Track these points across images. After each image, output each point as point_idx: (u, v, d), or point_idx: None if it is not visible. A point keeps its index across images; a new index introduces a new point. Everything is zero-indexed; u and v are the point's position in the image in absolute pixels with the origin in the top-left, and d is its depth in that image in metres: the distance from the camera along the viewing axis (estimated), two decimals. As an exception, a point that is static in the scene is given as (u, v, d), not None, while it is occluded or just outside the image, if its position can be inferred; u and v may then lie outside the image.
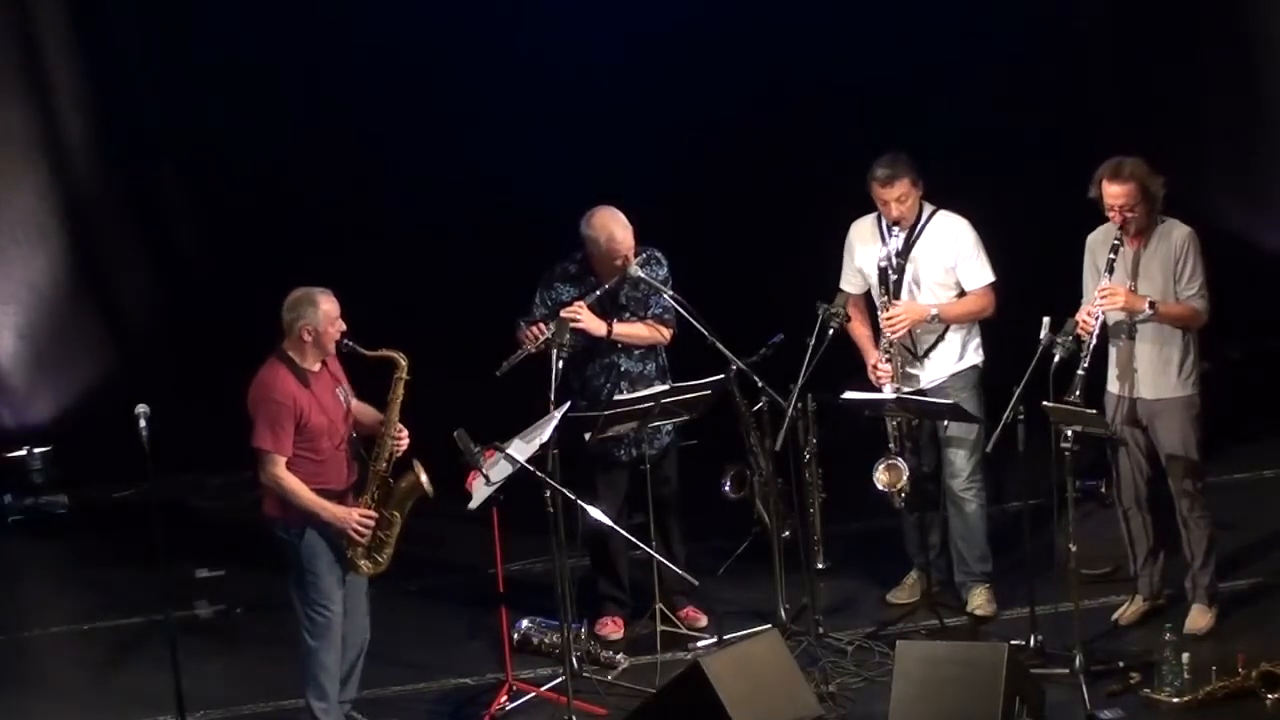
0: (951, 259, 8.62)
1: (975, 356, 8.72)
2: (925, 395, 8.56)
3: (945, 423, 8.63)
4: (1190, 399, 8.24)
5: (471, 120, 11.44)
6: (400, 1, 11.40)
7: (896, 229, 8.60)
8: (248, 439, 7.71)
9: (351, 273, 10.71)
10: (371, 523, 7.79)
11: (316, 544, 7.78)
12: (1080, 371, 7.97)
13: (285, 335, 7.76)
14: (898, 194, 8.52)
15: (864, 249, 8.73)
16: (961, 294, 8.65)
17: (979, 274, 8.63)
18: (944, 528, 8.94)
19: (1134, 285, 8.15)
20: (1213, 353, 9.67)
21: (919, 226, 8.63)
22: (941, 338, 8.67)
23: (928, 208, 8.66)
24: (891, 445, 8.68)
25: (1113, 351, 8.28)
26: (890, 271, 8.60)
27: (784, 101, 11.44)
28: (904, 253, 8.62)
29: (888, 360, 8.63)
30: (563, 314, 8.50)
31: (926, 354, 8.68)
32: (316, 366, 7.80)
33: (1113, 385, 8.32)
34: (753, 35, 11.42)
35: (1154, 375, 8.21)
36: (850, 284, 8.80)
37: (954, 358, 8.68)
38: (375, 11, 11.44)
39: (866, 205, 8.77)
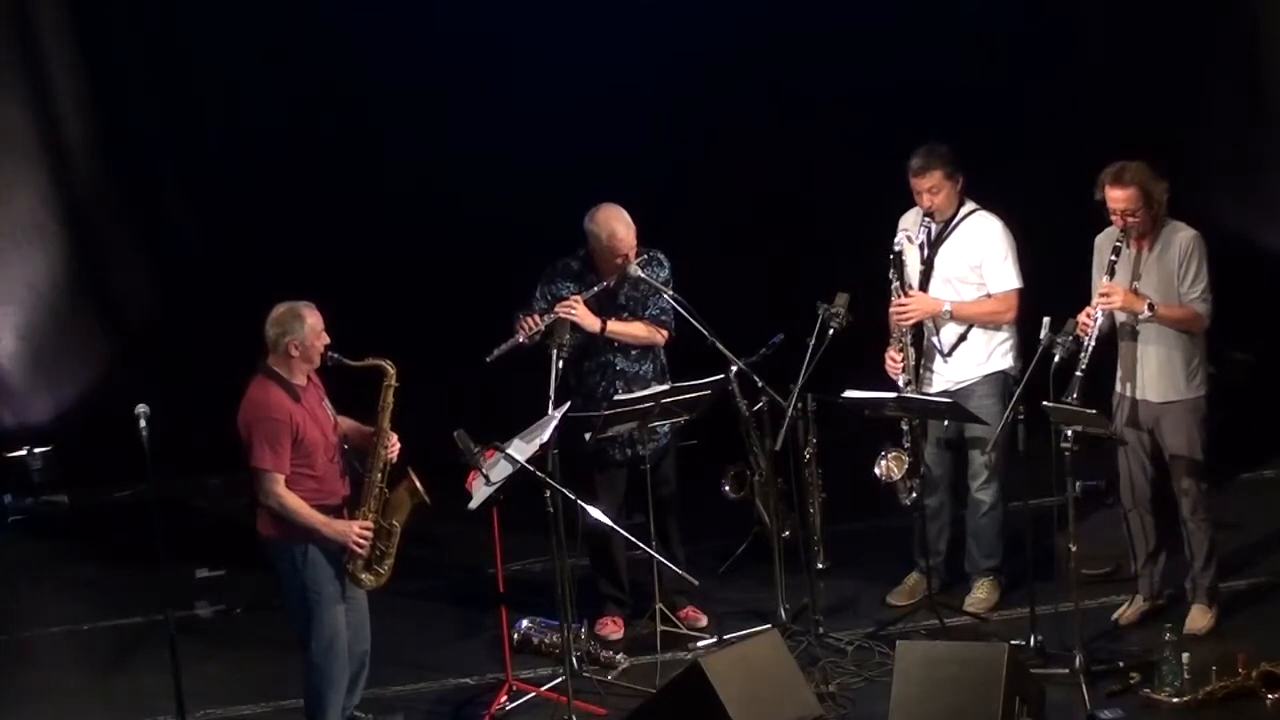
0: (978, 258, 8.63)
1: (1003, 361, 8.70)
2: (951, 396, 8.55)
3: (954, 423, 8.64)
4: (1196, 402, 8.23)
5: (472, 119, 11.44)
6: (399, 1, 11.41)
7: (929, 220, 8.63)
8: (245, 461, 7.66)
9: (351, 271, 10.78)
10: (371, 534, 7.76)
11: (319, 561, 7.73)
12: (1078, 373, 7.97)
13: (271, 351, 7.70)
14: (929, 184, 8.55)
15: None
16: (988, 296, 8.67)
17: (1004, 278, 8.64)
18: (955, 531, 8.95)
19: (1135, 287, 8.15)
20: (1214, 353, 9.68)
21: (953, 222, 8.66)
22: (965, 337, 8.67)
23: (968, 205, 8.68)
24: (905, 441, 8.69)
25: (1120, 353, 8.28)
26: (917, 260, 8.62)
27: (785, 102, 11.44)
28: (933, 245, 8.65)
29: (899, 350, 8.65)
30: (558, 308, 8.51)
31: (951, 352, 8.68)
32: (303, 381, 7.75)
33: (1120, 386, 8.31)
34: (755, 36, 11.42)
35: (1160, 378, 8.20)
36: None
37: (979, 359, 8.68)
38: (374, 11, 11.44)
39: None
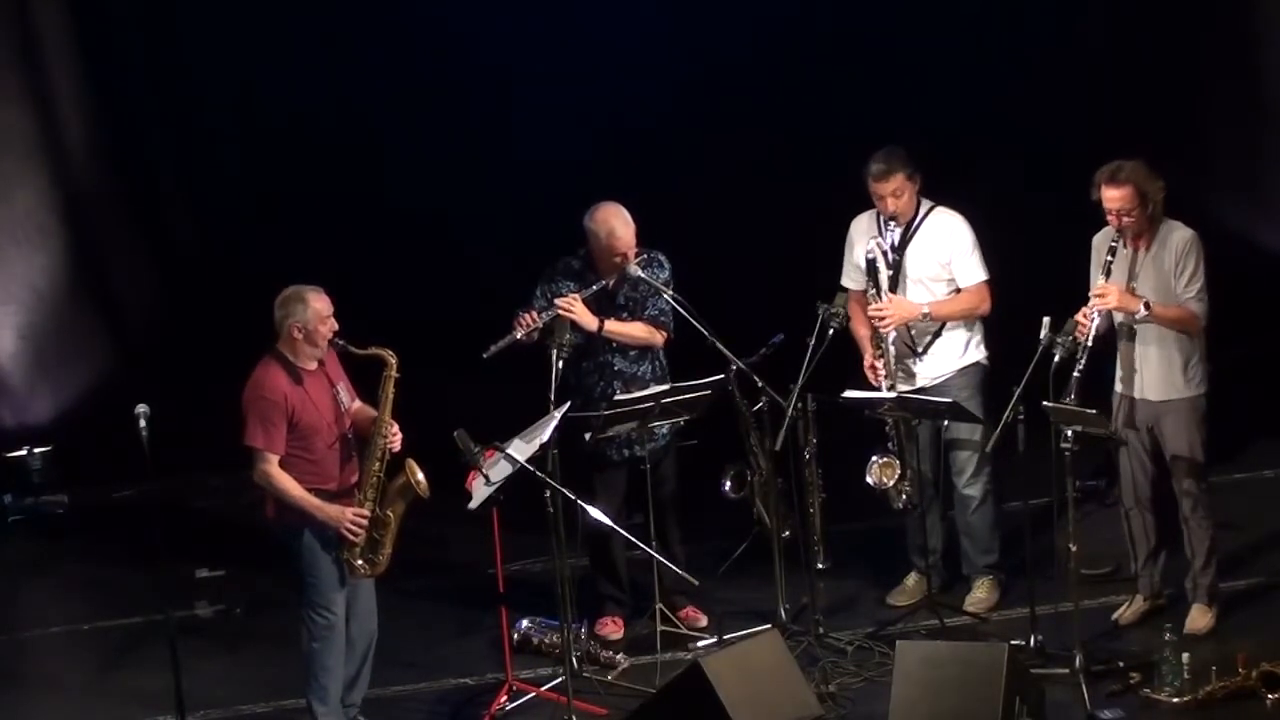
0: (946, 255, 8.63)
1: (978, 353, 8.72)
2: (927, 393, 8.57)
3: (946, 422, 8.63)
4: (1196, 400, 8.23)
5: (472, 118, 11.45)
6: (399, 3, 11.41)
7: (893, 224, 8.62)
8: (240, 439, 7.70)
9: (351, 272, 10.76)
10: (365, 522, 7.76)
11: (315, 546, 7.76)
12: (1076, 374, 7.97)
13: (277, 334, 7.76)
14: (892, 188, 8.54)
15: (862, 244, 8.74)
16: (957, 291, 8.66)
17: (973, 271, 8.64)
18: (949, 529, 8.96)
19: (1132, 287, 8.14)
20: (1213, 352, 9.67)
21: (915, 222, 8.65)
22: (939, 334, 8.68)
23: (926, 204, 8.67)
24: (891, 445, 8.70)
25: (1119, 352, 8.28)
26: (885, 265, 8.62)
27: (784, 100, 11.44)
28: (900, 248, 8.64)
29: (880, 356, 8.65)
30: (556, 302, 8.51)
31: (926, 350, 8.69)
32: (312, 365, 7.79)
33: (1121, 386, 8.32)
34: (753, 34, 11.42)
35: (1160, 377, 8.20)
36: (851, 280, 8.81)
37: (955, 354, 8.69)
38: (375, 11, 11.44)
39: (868, 204, 8.77)
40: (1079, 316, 8.07)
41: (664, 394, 8.48)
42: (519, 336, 8.53)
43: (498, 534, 8.28)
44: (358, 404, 7.95)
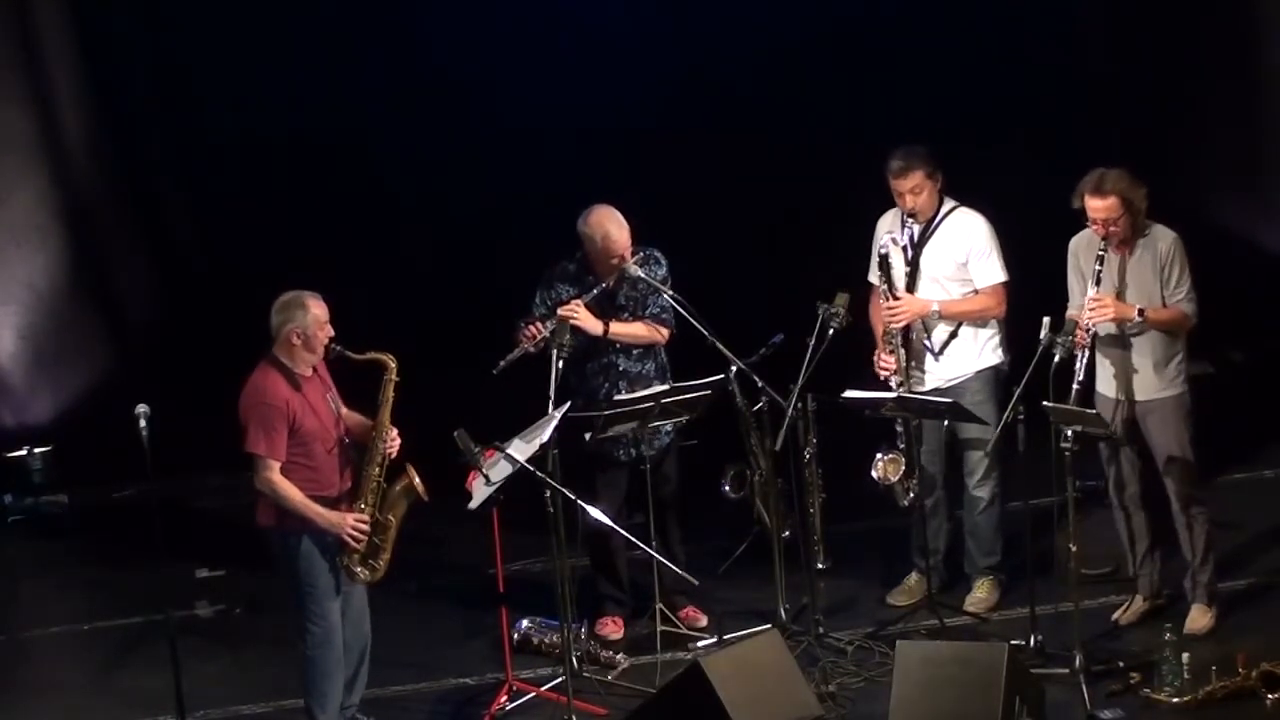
0: (964, 255, 8.64)
1: (994, 356, 8.72)
2: (942, 394, 8.56)
3: (948, 422, 8.64)
4: (1180, 397, 8.24)
5: (472, 120, 11.43)
6: (399, 6, 11.41)
7: (912, 221, 8.63)
8: (241, 446, 7.69)
9: (352, 274, 10.78)
10: (366, 528, 7.76)
11: (312, 553, 7.74)
12: (1076, 386, 7.97)
13: (274, 339, 7.74)
14: (911, 185, 8.55)
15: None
16: (975, 292, 8.67)
17: (990, 272, 8.65)
18: (954, 529, 8.96)
19: (1122, 293, 8.14)
20: (1213, 353, 9.69)
21: (935, 220, 8.66)
22: (955, 334, 8.68)
23: (948, 203, 8.68)
24: (899, 441, 8.70)
25: (1101, 354, 8.28)
26: (903, 262, 8.63)
27: (784, 100, 11.44)
28: (918, 245, 8.65)
29: (890, 352, 8.66)
30: (560, 312, 8.51)
31: (943, 350, 8.69)
32: (308, 371, 7.77)
33: (1103, 387, 8.31)
34: (752, 34, 11.41)
35: (1143, 377, 8.21)
36: (875, 276, 8.80)
37: (972, 355, 8.69)
38: (374, 11, 11.44)
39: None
40: (1078, 323, 8.06)
41: (664, 394, 8.49)
42: (529, 349, 8.53)
43: (498, 534, 8.28)
44: (345, 410, 7.94)
